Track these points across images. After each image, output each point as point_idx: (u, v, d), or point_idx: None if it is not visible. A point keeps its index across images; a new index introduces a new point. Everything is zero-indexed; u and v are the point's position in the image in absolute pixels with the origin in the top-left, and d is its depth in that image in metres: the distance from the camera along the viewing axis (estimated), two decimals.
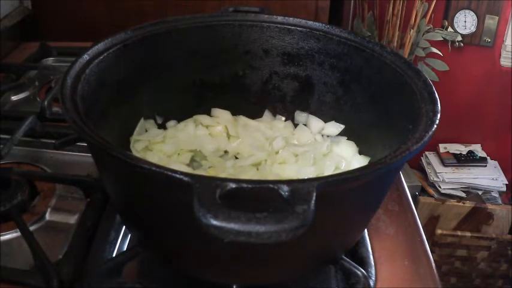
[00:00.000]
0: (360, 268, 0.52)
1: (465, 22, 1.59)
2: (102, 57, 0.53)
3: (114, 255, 0.54)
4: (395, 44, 1.46)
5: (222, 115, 0.66)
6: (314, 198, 0.34)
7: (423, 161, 1.72)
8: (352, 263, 0.52)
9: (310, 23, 0.62)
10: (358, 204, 0.45)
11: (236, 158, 0.62)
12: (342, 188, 0.39)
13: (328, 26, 0.61)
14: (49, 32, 1.15)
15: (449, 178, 1.64)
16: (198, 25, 0.62)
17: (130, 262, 0.52)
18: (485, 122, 1.71)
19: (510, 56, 1.60)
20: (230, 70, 0.66)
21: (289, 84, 0.66)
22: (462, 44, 1.61)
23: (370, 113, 0.58)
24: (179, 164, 0.58)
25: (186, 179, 0.35)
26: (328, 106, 0.64)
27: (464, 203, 1.58)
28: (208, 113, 0.66)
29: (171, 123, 0.65)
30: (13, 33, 1.08)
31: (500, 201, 1.62)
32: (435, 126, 0.44)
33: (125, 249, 0.56)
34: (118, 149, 0.39)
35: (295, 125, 0.66)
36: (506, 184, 1.65)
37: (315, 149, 0.60)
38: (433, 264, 0.56)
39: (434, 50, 1.50)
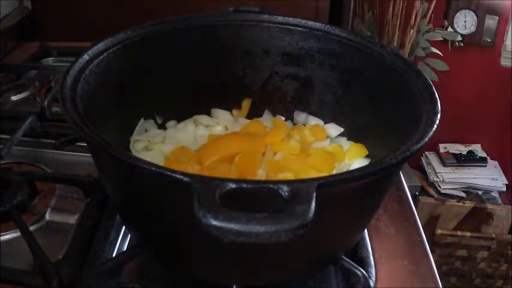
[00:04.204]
0: (360, 268, 0.52)
1: (465, 22, 1.59)
2: (102, 57, 0.53)
3: (114, 255, 0.54)
4: (395, 44, 1.46)
5: (222, 115, 0.66)
6: (314, 198, 0.34)
7: (423, 161, 1.72)
8: (352, 263, 0.52)
9: (310, 23, 0.62)
10: (358, 204, 0.45)
11: None
12: (342, 188, 0.39)
13: (328, 26, 0.61)
14: (49, 32, 1.15)
15: (449, 178, 1.64)
16: (198, 25, 0.62)
17: (130, 262, 0.52)
18: (485, 122, 1.71)
19: (510, 56, 1.60)
20: (230, 70, 0.65)
21: (289, 84, 0.66)
22: (462, 44, 1.61)
23: (370, 113, 0.58)
24: None
25: (186, 179, 0.35)
26: (328, 106, 0.64)
27: (464, 203, 1.58)
28: (208, 113, 0.66)
29: (171, 123, 0.65)
30: (13, 33, 1.08)
31: (500, 201, 1.62)
32: (435, 126, 0.44)
33: (124, 249, 0.56)
34: (118, 149, 0.39)
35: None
36: (506, 184, 1.65)
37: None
38: (433, 264, 0.56)
39: (434, 50, 1.50)
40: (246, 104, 0.67)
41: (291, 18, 0.63)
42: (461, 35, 1.59)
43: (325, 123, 0.65)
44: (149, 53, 0.60)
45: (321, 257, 0.50)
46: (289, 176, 0.53)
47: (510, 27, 1.57)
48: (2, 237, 0.57)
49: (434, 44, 1.51)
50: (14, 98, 0.88)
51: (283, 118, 0.67)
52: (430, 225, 1.60)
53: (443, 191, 1.63)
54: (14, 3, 1.10)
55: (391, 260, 0.56)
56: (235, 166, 0.54)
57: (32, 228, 0.58)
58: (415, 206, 0.66)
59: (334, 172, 0.56)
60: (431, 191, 1.64)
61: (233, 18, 0.64)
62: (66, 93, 0.46)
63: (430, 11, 1.44)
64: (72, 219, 0.60)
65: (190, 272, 0.50)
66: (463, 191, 1.64)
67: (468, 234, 1.59)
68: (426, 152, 1.74)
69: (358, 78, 0.59)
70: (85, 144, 0.55)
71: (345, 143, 0.62)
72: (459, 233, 1.59)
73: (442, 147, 1.72)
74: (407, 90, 0.51)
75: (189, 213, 0.33)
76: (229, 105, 0.67)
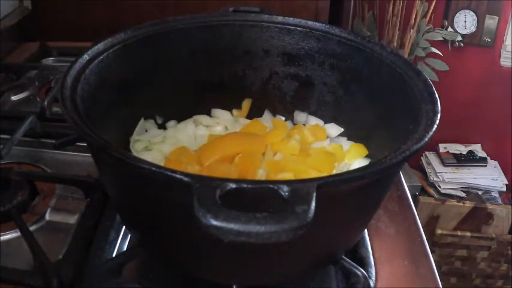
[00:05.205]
0: (360, 268, 0.52)
1: (465, 22, 1.59)
2: (102, 57, 0.53)
3: (114, 255, 0.54)
4: (395, 44, 1.46)
5: (222, 115, 0.66)
6: (314, 198, 0.34)
7: (423, 161, 1.72)
8: (352, 263, 0.52)
9: (310, 23, 0.62)
10: (358, 204, 0.45)
11: None
12: (342, 188, 0.39)
13: (328, 26, 0.61)
14: (49, 32, 1.15)
15: (449, 178, 1.64)
16: (198, 25, 0.62)
17: (131, 262, 0.52)
18: (485, 122, 1.71)
19: (510, 56, 1.60)
20: (230, 70, 0.66)
21: (289, 84, 0.66)
22: (462, 44, 1.61)
23: (370, 113, 0.58)
24: None
25: (186, 179, 0.35)
26: (328, 106, 0.64)
27: (464, 203, 1.58)
28: (208, 113, 0.67)
29: (171, 123, 0.65)
30: (13, 33, 1.08)
31: (500, 201, 1.62)
32: (435, 126, 0.44)
33: (124, 249, 0.56)
34: (118, 149, 0.39)
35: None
36: (506, 184, 1.65)
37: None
38: (433, 264, 0.56)
39: (434, 50, 1.50)
40: (246, 104, 0.67)
41: (291, 18, 0.63)
42: (461, 35, 1.59)
43: (325, 123, 0.65)
44: (149, 53, 0.60)
45: (321, 257, 0.50)
46: (289, 176, 0.53)
47: (510, 27, 1.57)
48: (2, 237, 0.57)
49: (434, 44, 1.51)
50: (14, 98, 0.88)
51: (283, 118, 0.67)
52: (430, 225, 1.60)
53: (443, 191, 1.63)
54: (14, 3, 1.10)
55: (391, 260, 0.56)
56: (235, 166, 0.54)
57: (32, 228, 0.58)
58: (415, 206, 0.66)
59: (334, 172, 0.56)
60: (431, 191, 1.64)
61: (233, 18, 0.64)
62: (66, 93, 0.46)
63: (430, 11, 1.44)
64: (72, 219, 0.60)
65: (190, 272, 0.50)
66: (463, 191, 1.64)
67: (468, 234, 1.59)
68: (426, 152, 1.74)
69: (358, 78, 0.59)
70: (85, 144, 0.55)
71: (345, 143, 0.62)
72: (459, 233, 1.59)
73: (442, 147, 1.73)
74: (407, 90, 0.51)
75: (189, 213, 0.33)
76: (229, 105, 0.67)
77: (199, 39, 0.62)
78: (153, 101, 0.62)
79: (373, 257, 0.56)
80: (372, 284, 0.52)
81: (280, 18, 0.63)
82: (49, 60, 1.03)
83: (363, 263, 0.54)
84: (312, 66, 0.63)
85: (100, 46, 0.54)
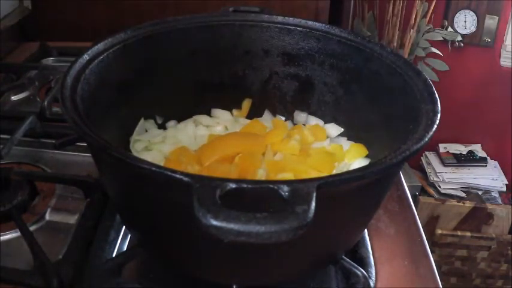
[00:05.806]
0: (360, 268, 0.52)
1: (465, 22, 1.59)
2: (102, 57, 0.53)
3: (114, 255, 0.54)
4: (395, 44, 1.46)
5: (222, 115, 0.66)
6: (314, 198, 0.34)
7: (423, 161, 1.72)
8: (352, 263, 0.52)
9: (310, 23, 0.62)
10: (358, 204, 0.45)
11: None
12: (342, 188, 0.39)
13: (328, 26, 0.61)
14: (49, 32, 1.15)
15: (449, 178, 1.64)
16: (198, 25, 0.62)
17: (131, 262, 0.52)
18: (485, 122, 1.71)
19: (510, 56, 1.60)
20: (230, 70, 0.66)
21: (289, 84, 0.66)
22: (462, 44, 1.61)
23: (370, 113, 0.58)
24: None
25: (186, 179, 0.35)
26: (328, 106, 0.64)
27: (464, 203, 1.58)
28: (208, 113, 0.67)
29: (171, 123, 0.65)
30: (13, 33, 1.08)
31: (500, 201, 1.62)
32: (435, 126, 0.44)
33: (124, 249, 0.56)
34: (118, 149, 0.39)
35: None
36: (506, 184, 1.65)
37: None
38: (433, 264, 0.56)
39: (434, 50, 1.50)
40: (246, 104, 0.67)
41: (291, 18, 0.63)
42: (461, 35, 1.59)
43: (325, 123, 0.65)
44: (149, 53, 0.60)
45: (321, 257, 0.50)
46: (289, 176, 0.53)
47: (510, 27, 1.57)
48: (2, 237, 0.57)
49: (434, 44, 1.51)
50: (14, 98, 0.88)
51: (283, 118, 0.67)
52: (430, 225, 1.60)
53: (443, 191, 1.63)
54: (14, 3, 1.10)
55: (391, 260, 0.56)
56: (235, 166, 0.54)
57: (32, 228, 0.58)
58: (415, 206, 0.66)
59: (334, 172, 0.56)
60: (431, 191, 1.64)
61: (233, 18, 0.64)
62: (66, 93, 0.46)
63: (430, 11, 1.45)
64: (72, 219, 0.60)
65: (190, 272, 0.50)
66: (463, 191, 1.64)
67: (468, 234, 1.59)
68: (426, 152, 1.74)
69: (358, 78, 0.59)
70: (85, 144, 0.55)
71: (345, 143, 0.62)
72: (459, 233, 1.59)
73: (442, 147, 1.73)
74: (407, 90, 0.51)
75: (189, 213, 0.33)
76: (229, 105, 0.67)
77: (199, 39, 0.62)
78: (153, 101, 0.62)
79: (373, 257, 0.56)
80: (372, 284, 0.52)
81: (280, 18, 0.63)
82: (49, 60, 1.03)
83: (363, 263, 0.54)
84: (312, 66, 0.63)
85: (100, 46, 0.54)
